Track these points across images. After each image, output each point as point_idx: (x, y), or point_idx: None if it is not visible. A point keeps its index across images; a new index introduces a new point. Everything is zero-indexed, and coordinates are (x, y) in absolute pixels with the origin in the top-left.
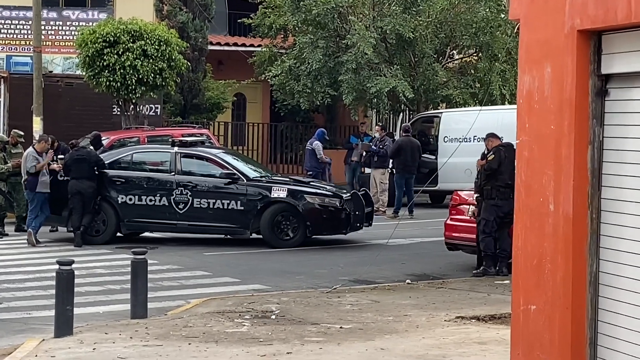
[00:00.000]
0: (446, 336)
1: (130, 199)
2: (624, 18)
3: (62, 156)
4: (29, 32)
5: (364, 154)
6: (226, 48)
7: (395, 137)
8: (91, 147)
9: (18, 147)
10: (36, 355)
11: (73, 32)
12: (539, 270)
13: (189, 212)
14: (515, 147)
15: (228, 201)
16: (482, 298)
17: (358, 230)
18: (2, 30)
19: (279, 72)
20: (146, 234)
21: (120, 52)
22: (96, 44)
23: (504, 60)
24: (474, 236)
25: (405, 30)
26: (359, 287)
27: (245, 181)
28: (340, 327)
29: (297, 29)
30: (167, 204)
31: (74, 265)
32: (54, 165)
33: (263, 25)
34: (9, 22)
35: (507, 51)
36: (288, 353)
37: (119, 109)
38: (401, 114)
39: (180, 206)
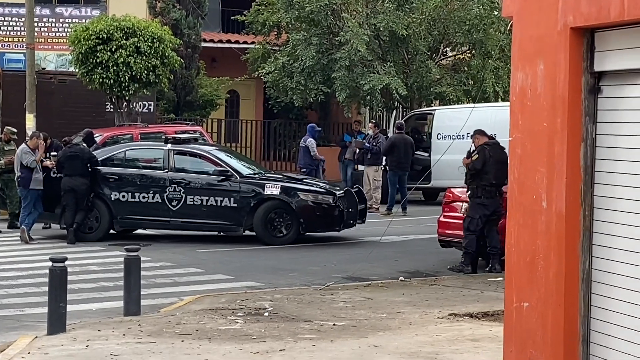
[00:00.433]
0: (439, 333)
1: (124, 196)
2: (617, 15)
3: (55, 153)
4: (22, 29)
5: (358, 151)
6: (219, 45)
7: (388, 135)
8: (84, 145)
9: (11, 144)
10: (29, 353)
11: (66, 29)
12: (532, 268)
13: (182, 209)
14: (501, 145)
15: (221, 198)
16: (475, 295)
17: (351, 228)
18: None
19: (272, 69)
20: (139, 231)
21: (113, 49)
22: (89, 41)
23: (497, 58)
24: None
25: (398, 27)
26: (352, 284)
27: (238, 178)
28: (334, 325)
29: (290, 26)
30: (160, 201)
31: (67, 263)
32: (47, 162)
33: (256, 22)
34: (2, 19)
35: (501, 48)
36: (281, 350)
37: (112, 106)
38: (394, 111)
39: (174, 203)
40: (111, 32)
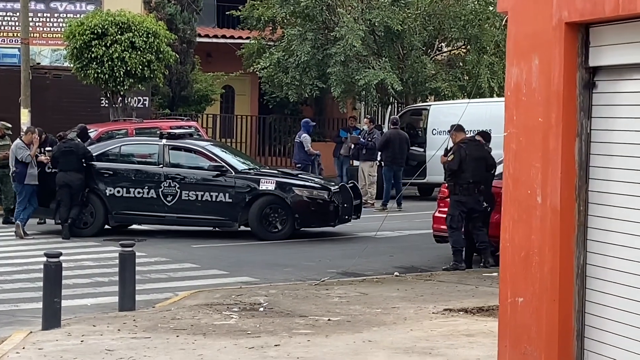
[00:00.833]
0: (434, 328)
1: (118, 191)
2: (612, 10)
3: (49, 148)
4: (17, 23)
5: (353, 146)
6: (214, 40)
7: (383, 130)
8: (78, 140)
9: (5, 140)
10: (24, 348)
11: (61, 24)
12: (527, 263)
13: (177, 205)
14: (478, 141)
15: (216, 193)
16: (470, 290)
17: (346, 223)
18: None
19: (268, 64)
20: (134, 226)
21: (108, 44)
22: (84, 36)
23: (492, 53)
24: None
25: (393, 22)
26: (347, 279)
27: (233, 173)
28: (329, 320)
29: (285, 21)
30: (155, 196)
31: (61, 258)
32: (42, 158)
33: (251, 17)
34: None
35: (496, 44)
36: (276, 345)
37: (107, 101)
38: (390, 107)
39: (169, 198)
40: (106, 27)
